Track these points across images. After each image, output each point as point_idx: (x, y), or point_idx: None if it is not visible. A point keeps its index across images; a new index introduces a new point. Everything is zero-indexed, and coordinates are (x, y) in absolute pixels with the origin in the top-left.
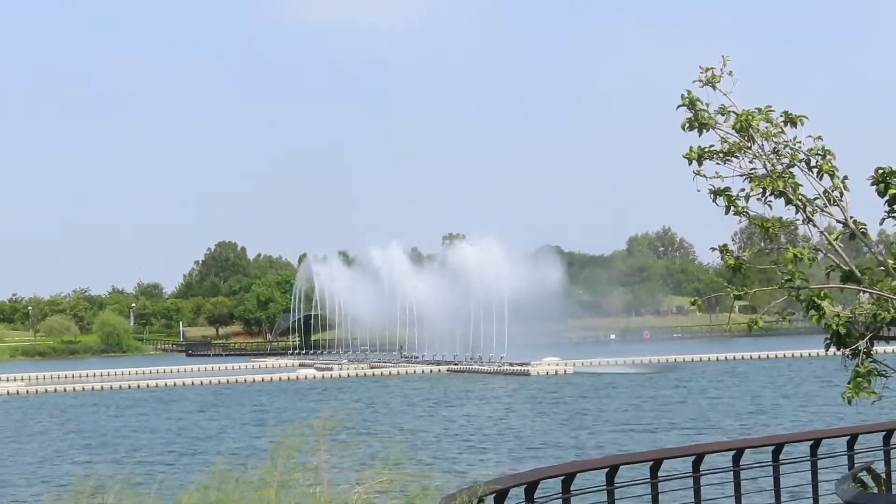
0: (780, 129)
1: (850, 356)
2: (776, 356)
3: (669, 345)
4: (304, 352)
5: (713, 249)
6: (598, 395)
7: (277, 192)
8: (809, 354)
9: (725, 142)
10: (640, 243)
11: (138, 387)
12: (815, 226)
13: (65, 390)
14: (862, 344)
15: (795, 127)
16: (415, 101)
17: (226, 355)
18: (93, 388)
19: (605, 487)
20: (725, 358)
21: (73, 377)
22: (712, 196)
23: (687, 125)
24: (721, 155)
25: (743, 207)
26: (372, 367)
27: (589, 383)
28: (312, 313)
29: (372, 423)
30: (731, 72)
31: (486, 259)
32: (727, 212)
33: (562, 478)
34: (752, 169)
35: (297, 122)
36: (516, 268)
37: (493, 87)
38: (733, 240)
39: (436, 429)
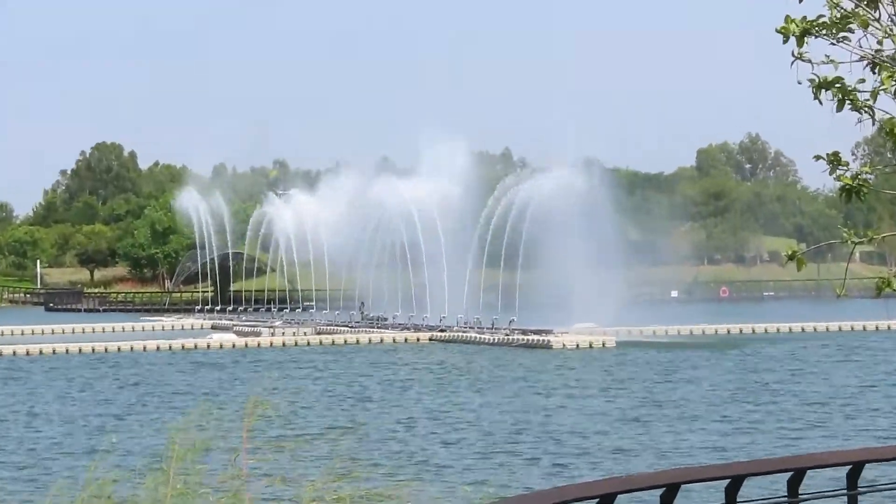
0: None
1: None
2: None
3: (757, 308)
4: (218, 308)
5: (817, 158)
6: (666, 376)
7: (180, 75)
8: None
9: (837, 5)
10: (714, 158)
11: None
12: None
13: None
14: None
15: None
16: None
17: (103, 311)
18: None
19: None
20: (840, 328)
21: None
22: (813, 90)
23: None
24: (833, 28)
25: (865, 102)
26: (319, 333)
27: (643, 358)
28: (232, 251)
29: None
30: None
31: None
32: (840, 108)
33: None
34: (877, 50)
35: None
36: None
37: None
38: (854, 154)
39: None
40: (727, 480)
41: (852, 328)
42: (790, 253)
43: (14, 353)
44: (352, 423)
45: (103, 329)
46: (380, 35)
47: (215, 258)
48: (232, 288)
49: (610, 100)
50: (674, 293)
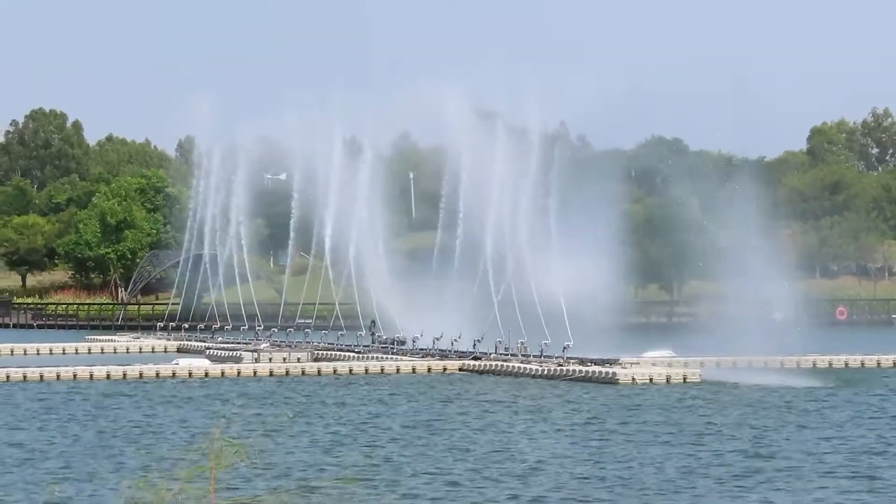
0: None
1: None
2: None
3: (884, 334)
4: (187, 326)
5: None
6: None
7: (134, 34)
8: None
9: None
10: (832, 139)
11: None
12: None
13: None
14: None
15: None
16: None
17: (38, 327)
18: None
19: None
20: None
21: None
22: None
23: None
24: None
25: None
26: (317, 359)
27: (746, 399)
28: (208, 252)
29: None
30: None
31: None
32: None
33: None
34: None
35: None
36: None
37: None
38: None
39: None
40: None
41: None
42: None
43: None
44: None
45: (37, 351)
46: None
47: (187, 259)
48: (205, 300)
49: (695, 60)
50: (776, 314)
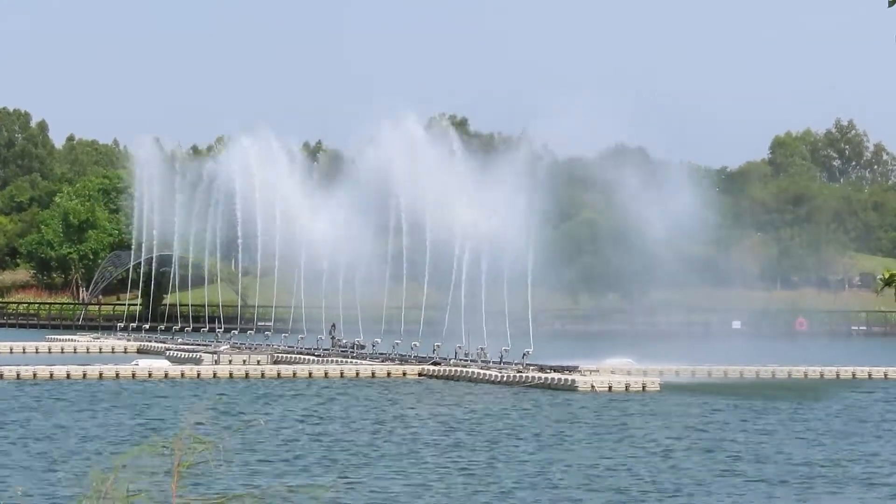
0: None
1: None
2: None
3: (843, 346)
4: (147, 327)
5: None
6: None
7: (100, 33)
8: None
9: None
10: (793, 150)
11: None
12: None
13: None
14: None
15: None
16: None
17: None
18: None
19: None
20: None
21: None
22: None
23: None
24: None
25: None
26: (276, 362)
27: (698, 410)
28: (175, 255)
29: None
30: None
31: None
32: None
33: None
34: None
35: None
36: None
37: None
38: None
39: None
40: None
41: None
42: (887, 276)
43: None
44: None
45: None
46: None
47: (148, 260)
48: (166, 301)
49: (660, 73)
50: (736, 324)
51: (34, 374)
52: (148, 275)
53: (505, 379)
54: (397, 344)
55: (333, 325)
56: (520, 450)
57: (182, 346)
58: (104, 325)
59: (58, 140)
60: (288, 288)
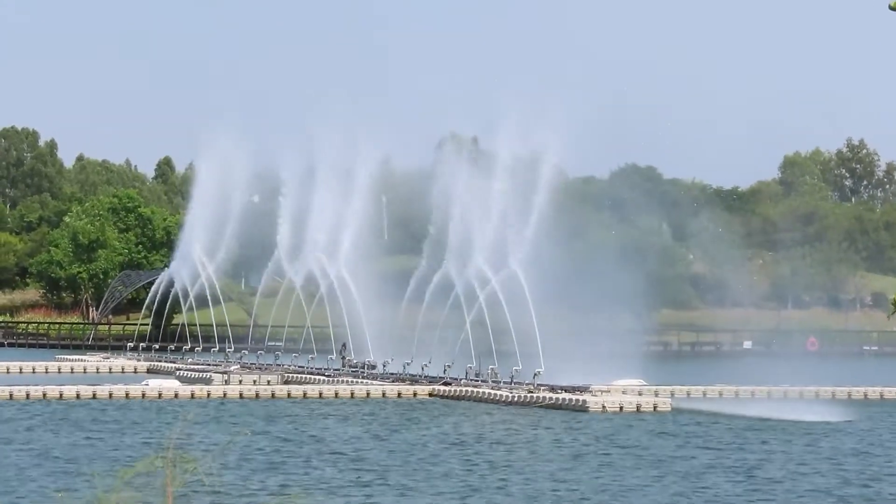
0: None
1: None
2: None
3: (855, 366)
4: (157, 346)
5: None
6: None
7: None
8: None
9: None
10: (804, 169)
11: None
12: None
13: None
14: None
15: None
16: None
17: (9, 345)
18: None
19: None
20: None
21: None
22: None
23: None
24: None
25: None
26: (287, 382)
27: (715, 433)
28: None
29: None
30: None
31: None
32: None
33: None
34: None
35: None
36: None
37: None
38: None
39: None
40: None
41: None
42: None
43: None
44: None
45: (7, 369)
46: None
47: (158, 283)
48: (176, 321)
49: (670, 93)
50: (747, 344)
51: (44, 394)
52: (158, 294)
53: (516, 399)
54: (407, 364)
55: (344, 345)
56: (538, 474)
57: (192, 367)
58: (114, 345)
59: (66, 160)
60: (300, 308)
